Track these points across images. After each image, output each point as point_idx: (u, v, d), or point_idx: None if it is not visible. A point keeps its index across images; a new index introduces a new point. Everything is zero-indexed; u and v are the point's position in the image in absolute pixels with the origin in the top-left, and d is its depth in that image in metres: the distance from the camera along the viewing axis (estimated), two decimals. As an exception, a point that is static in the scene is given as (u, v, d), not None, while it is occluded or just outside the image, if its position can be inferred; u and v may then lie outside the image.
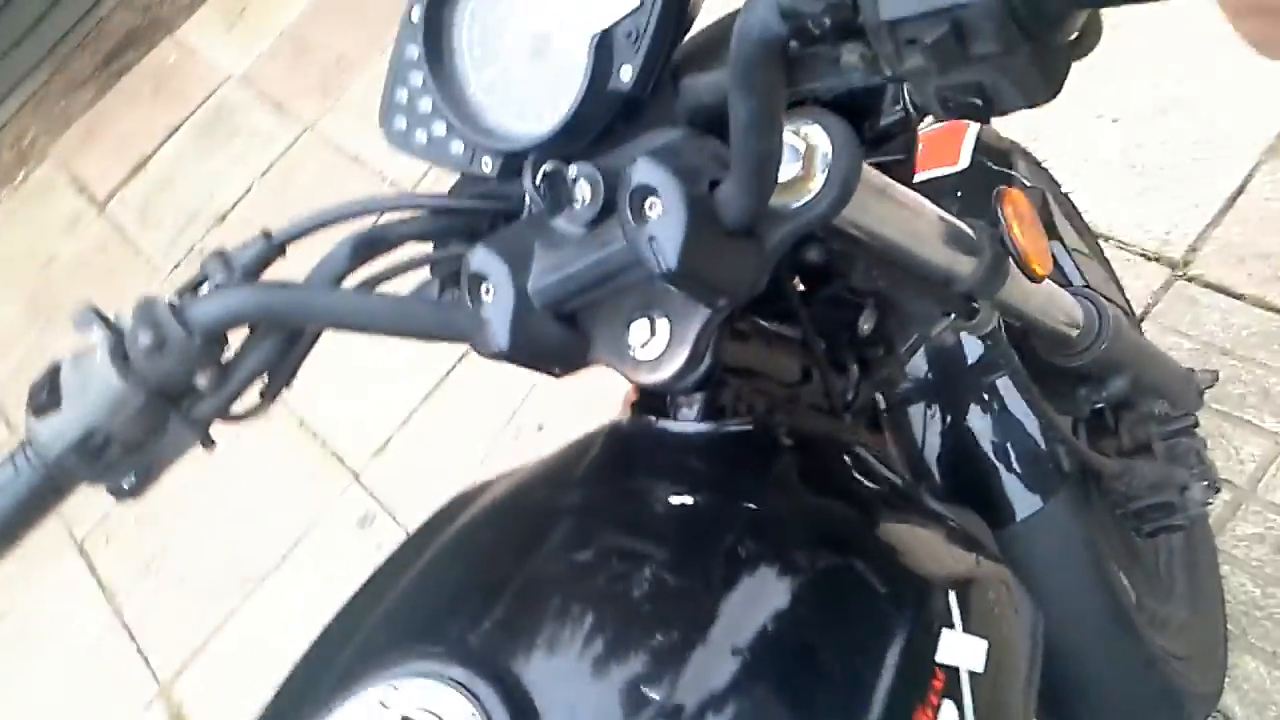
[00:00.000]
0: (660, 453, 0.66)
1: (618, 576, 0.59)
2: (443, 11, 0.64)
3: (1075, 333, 0.95)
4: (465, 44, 0.64)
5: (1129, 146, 1.97)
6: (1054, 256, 0.93)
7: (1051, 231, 1.15)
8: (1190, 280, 1.78)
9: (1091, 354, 0.95)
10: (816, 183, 0.58)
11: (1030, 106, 0.44)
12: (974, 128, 1.18)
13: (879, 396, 0.87)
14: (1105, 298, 1.02)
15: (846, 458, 0.72)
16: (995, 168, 1.15)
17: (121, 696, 2.45)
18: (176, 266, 3.28)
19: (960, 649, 0.59)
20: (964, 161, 1.13)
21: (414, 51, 0.65)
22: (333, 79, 3.43)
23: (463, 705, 0.53)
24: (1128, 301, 1.45)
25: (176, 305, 0.59)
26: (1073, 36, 0.43)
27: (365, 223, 0.67)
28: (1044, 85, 0.43)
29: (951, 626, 0.59)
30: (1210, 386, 1.23)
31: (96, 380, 0.58)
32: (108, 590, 2.66)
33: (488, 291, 0.61)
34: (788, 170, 0.57)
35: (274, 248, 0.65)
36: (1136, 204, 1.90)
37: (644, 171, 0.54)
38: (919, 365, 1.03)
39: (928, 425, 1.03)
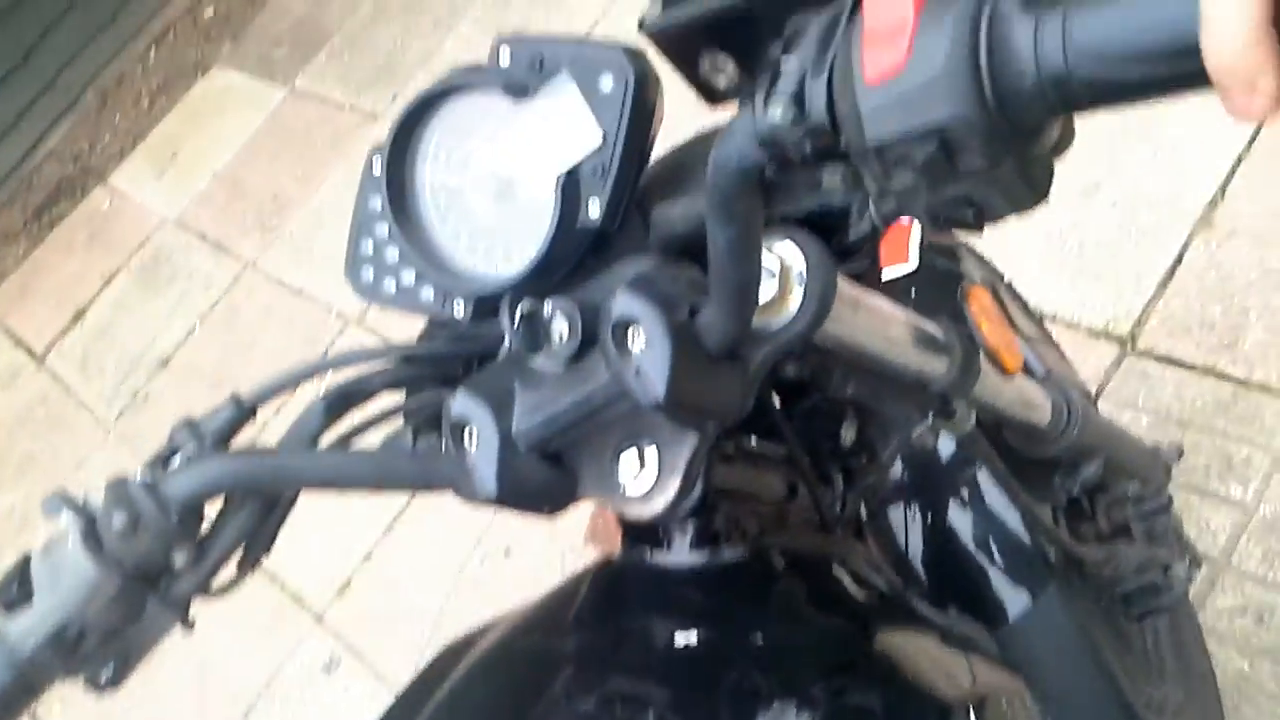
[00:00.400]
0: (655, 589, 0.65)
1: None
2: (404, 162, 0.64)
3: (1046, 422, 0.95)
4: (428, 192, 0.64)
5: (1064, 227, 2.01)
6: (1020, 349, 0.93)
7: (1010, 323, 1.16)
8: (1140, 355, 1.81)
9: (1064, 441, 0.95)
10: (794, 301, 0.57)
11: (1019, 213, 0.44)
12: (919, 225, 1.20)
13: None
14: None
15: (843, 574, 0.71)
16: (944, 264, 1.16)
17: None
18: (120, 415, 3.23)
19: (986, 770, 0.57)
20: (914, 260, 1.14)
21: (377, 202, 0.64)
22: (269, 217, 3.43)
23: None
24: (1078, 376, 1.46)
25: (149, 482, 0.57)
26: (1053, 143, 0.43)
27: (325, 374, 0.65)
28: (1030, 193, 0.43)
29: None
30: (1177, 461, 1.24)
31: (69, 569, 0.56)
32: (65, 760, 2.54)
33: (471, 437, 0.60)
34: (765, 290, 0.57)
35: (244, 411, 0.63)
36: (1078, 283, 1.94)
37: (624, 304, 0.54)
38: (895, 466, 1.02)
39: (909, 526, 1.02)
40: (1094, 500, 1.12)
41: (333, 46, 3.80)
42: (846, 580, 0.70)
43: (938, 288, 1.09)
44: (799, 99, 0.43)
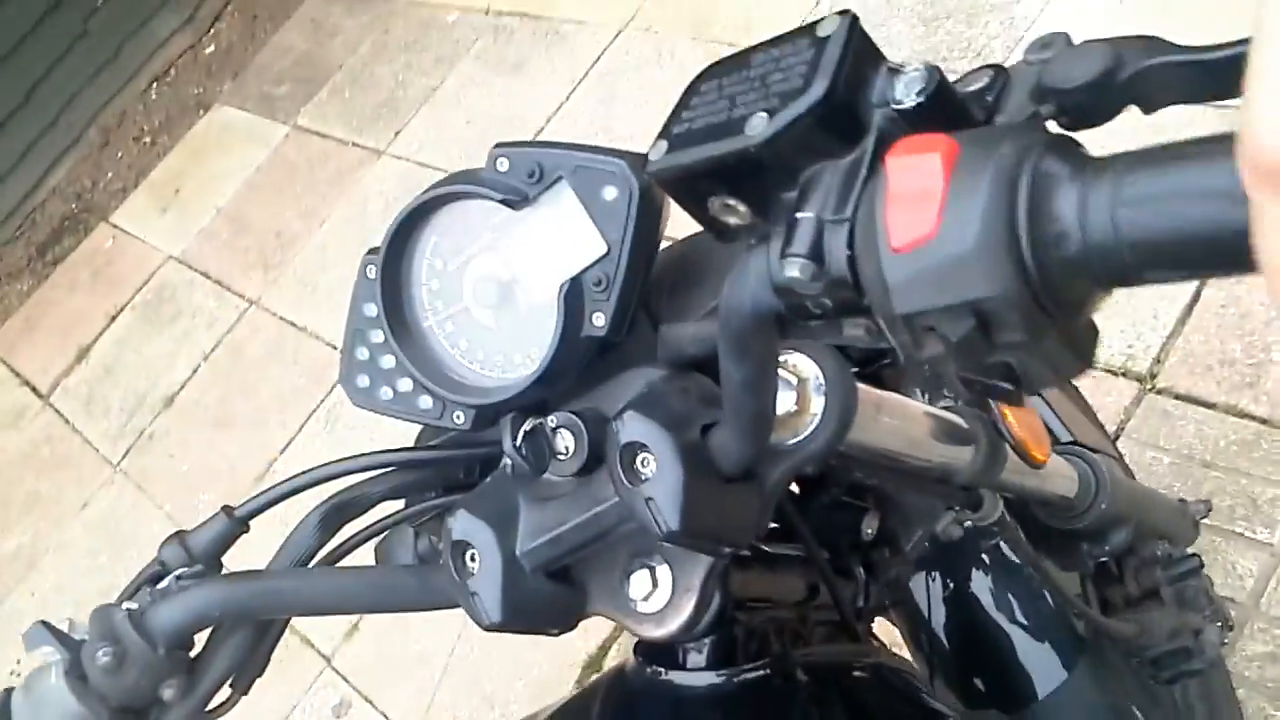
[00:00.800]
0: (672, 710, 0.61)
1: None
2: (400, 266, 0.61)
3: (1073, 495, 0.91)
4: (425, 297, 0.61)
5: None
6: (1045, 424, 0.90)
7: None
8: (1160, 393, 1.77)
9: (1092, 514, 0.92)
10: (813, 414, 0.54)
11: (1063, 379, 0.40)
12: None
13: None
14: (1091, 448, 0.99)
15: (867, 679, 0.67)
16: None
17: None
18: (126, 454, 3.20)
19: None
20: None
21: (372, 309, 0.61)
22: (273, 254, 3.42)
23: None
24: (1103, 428, 1.42)
25: (135, 612, 0.54)
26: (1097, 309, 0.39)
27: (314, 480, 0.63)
28: (1074, 361, 0.39)
29: None
30: (1205, 516, 1.20)
31: (52, 707, 0.53)
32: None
33: (473, 559, 0.56)
34: (782, 404, 0.53)
35: (235, 525, 0.61)
36: (1096, 321, 1.90)
37: (632, 428, 0.51)
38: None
39: (932, 599, 0.98)
40: (1122, 563, 1.09)
41: (334, 83, 3.78)
42: (873, 690, 0.67)
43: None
44: (817, 253, 0.39)
